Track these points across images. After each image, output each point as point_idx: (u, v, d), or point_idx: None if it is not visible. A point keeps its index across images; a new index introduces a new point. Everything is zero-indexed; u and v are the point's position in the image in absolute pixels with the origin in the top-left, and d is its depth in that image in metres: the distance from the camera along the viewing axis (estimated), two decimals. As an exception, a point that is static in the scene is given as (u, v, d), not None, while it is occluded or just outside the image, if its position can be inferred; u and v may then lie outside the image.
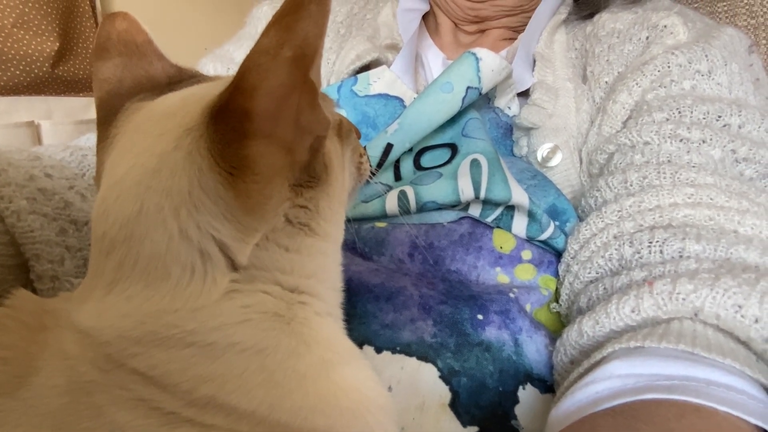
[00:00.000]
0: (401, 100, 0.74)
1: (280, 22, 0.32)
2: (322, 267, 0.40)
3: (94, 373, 0.33)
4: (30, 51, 1.53)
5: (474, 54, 0.65)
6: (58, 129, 1.56)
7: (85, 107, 1.65)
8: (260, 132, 0.33)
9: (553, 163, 0.70)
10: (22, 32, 1.52)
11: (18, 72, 1.54)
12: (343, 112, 0.74)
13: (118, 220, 0.35)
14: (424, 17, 0.89)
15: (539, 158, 0.70)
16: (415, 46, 0.81)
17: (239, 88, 0.32)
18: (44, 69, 1.56)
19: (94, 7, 1.65)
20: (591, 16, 0.78)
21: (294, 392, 0.35)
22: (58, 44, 1.57)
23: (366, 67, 0.80)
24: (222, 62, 0.84)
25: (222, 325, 0.35)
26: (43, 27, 1.54)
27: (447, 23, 0.85)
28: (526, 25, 0.79)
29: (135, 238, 0.35)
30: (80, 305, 0.37)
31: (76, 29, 1.64)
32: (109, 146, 0.40)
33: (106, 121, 0.42)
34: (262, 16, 0.89)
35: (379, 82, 0.76)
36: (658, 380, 0.38)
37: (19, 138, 1.48)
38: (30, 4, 1.52)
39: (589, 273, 0.57)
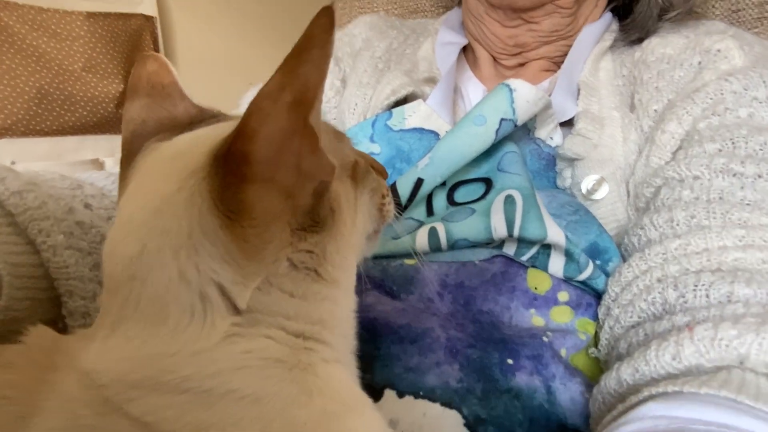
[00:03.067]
0: (437, 134, 0.73)
1: (284, 66, 0.31)
2: (330, 313, 0.39)
3: (92, 416, 0.33)
4: (96, 93, 1.62)
5: (508, 85, 0.64)
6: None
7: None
8: (259, 176, 0.33)
9: (599, 195, 0.67)
10: (90, 76, 1.61)
11: (85, 113, 1.63)
12: (377, 147, 0.73)
13: (122, 260, 0.35)
14: (465, 51, 0.88)
15: (584, 190, 0.67)
16: (454, 79, 0.80)
17: (241, 131, 0.32)
18: (109, 109, 1.66)
19: (157, 50, 1.73)
20: (639, 41, 0.75)
21: None
22: (122, 86, 1.66)
23: (402, 102, 0.79)
24: None
25: (219, 372, 0.34)
26: (109, 70, 1.64)
27: (486, 57, 0.84)
28: (566, 54, 0.77)
29: (137, 278, 0.35)
30: (87, 345, 0.37)
31: (140, 70, 1.73)
32: (125, 187, 0.40)
33: (128, 161, 0.42)
34: None
35: (414, 116, 0.75)
36: (693, 425, 0.35)
37: (85, 175, 1.57)
38: (97, 50, 1.61)
39: (631, 317, 0.53)
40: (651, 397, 0.40)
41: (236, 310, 0.35)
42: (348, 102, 0.84)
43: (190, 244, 0.34)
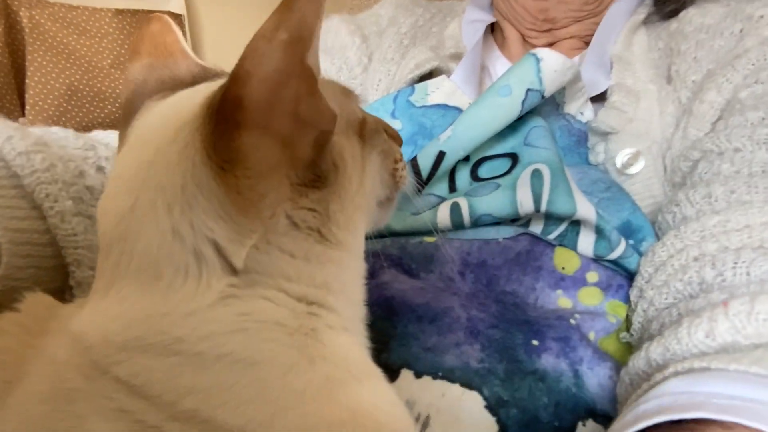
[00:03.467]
0: (460, 111, 0.70)
1: (280, 5, 0.29)
2: (335, 277, 0.36)
3: (79, 380, 0.31)
4: (125, 88, 1.63)
5: (534, 55, 0.60)
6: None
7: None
8: (253, 122, 0.30)
9: (634, 170, 0.63)
10: (118, 72, 1.63)
11: (114, 109, 1.65)
12: (398, 124, 0.71)
13: (115, 217, 0.33)
14: (493, 32, 0.85)
15: (618, 165, 0.63)
16: (480, 56, 0.77)
17: (234, 75, 0.30)
18: (138, 104, 1.67)
19: (184, 36, 1.75)
20: (674, 13, 0.71)
21: (288, 411, 0.31)
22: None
23: (427, 77, 0.76)
24: None
25: (213, 334, 0.31)
26: (137, 65, 1.65)
27: (514, 35, 0.80)
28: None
29: (129, 235, 0.33)
30: (80, 309, 0.35)
31: (168, 66, 1.74)
32: (123, 146, 0.39)
33: (127, 121, 0.40)
34: (330, 28, 0.88)
35: (437, 92, 0.72)
36: (714, 398, 0.32)
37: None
38: (126, 46, 1.63)
39: (666, 298, 0.50)
40: (675, 374, 0.37)
41: (233, 270, 0.33)
42: (372, 78, 0.81)
43: (184, 198, 0.32)
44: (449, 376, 0.46)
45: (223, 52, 1.88)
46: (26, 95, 1.57)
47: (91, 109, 1.64)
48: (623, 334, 0.53)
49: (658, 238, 0.58)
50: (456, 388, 0.45)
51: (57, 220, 0.49)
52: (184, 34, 1.75)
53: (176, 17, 1.72)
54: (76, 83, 1.61)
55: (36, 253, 0.48)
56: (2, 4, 1.53)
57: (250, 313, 0.32)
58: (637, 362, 0.43)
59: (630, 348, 0.53)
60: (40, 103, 1.57)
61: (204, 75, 0.43)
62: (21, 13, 1.55)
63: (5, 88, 1.57)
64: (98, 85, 1.64)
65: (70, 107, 1.61)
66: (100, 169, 0.56)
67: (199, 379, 0.30)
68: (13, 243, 0.46)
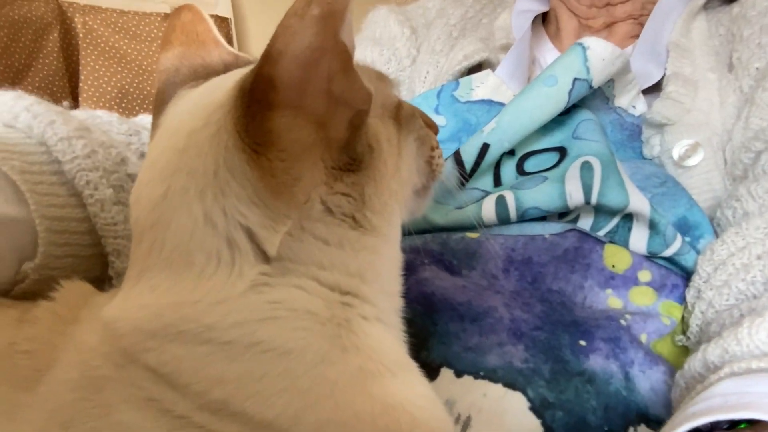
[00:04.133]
0: (506, 106, 0.68)
1: None
2: (371, 266, 0.35)
3: (108, 367, 0.30)
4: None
5: (581, 44, 0.58)
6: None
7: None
8: (286, 102, 0.29)
9: (693, 162, 0.59)
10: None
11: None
12: (442, 119, 0.69)
13: (148, 205, 0.33)
14: (545, 23, 0.82)
15: (675, 157, 0.60)
16: (528, 48, 0.74)
17: (266, 55, 0.29)
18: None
19: (230, 40, 1.76)
20: None
21: (320, 403, 0.29)
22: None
23: (476, 70, 0.74)
24: None
25: (244, 322, 0.30)
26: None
27: (570, 24, 0.77)
28: (650, 14, 0.70)
29: (161, 223, 0.32)
30: (112, 297, 0.34)
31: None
32: (155, 133, 0.38)
33: (159, 110, 0.40)
34: (379, 18, 0.86)
35: (482, 87, 0.70)
36: (765, 398, 0.31)
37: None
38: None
39: (726, 299, 0.47)
40: (731, 374, 0.35)
41: (265, 257, 0.32)
42: (419, 70, 0.80)
43: (216, 184, 0.31)
44: (491, 376, 0.44)
45: None
46: (80, 98, 1.62)
47: (141, 110, 1.68)
48: (679, 337, 0.50)
49: (716, 235, 0.54)
50: (498, 388, 0.43)
51: (97, 209, 0.48)
52: (231, 38, 1.78)
53: (223, 21, 1.75)
54: (126, 86, 1.64)
55: (74, 241, 0.47)
56: (59, 11, 1.58)
57: (282, 302, 0.31)
58: (694, 364, 0.40)
59: (686, 351, 0.50)
60: (93, 105, 1.61)
61: (236, 63, 0.42)
62: (76, 19, 1.60)
63: (60, 91, 1.62)
64: (148, 88, 1.68)
65: (120, 109, 1.65)
66: (143, 155, 0.55)
67: (229, 369, 0.29)
68: (51, 231, 0.44)
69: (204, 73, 0.41)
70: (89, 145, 0.48)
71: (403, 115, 0.38)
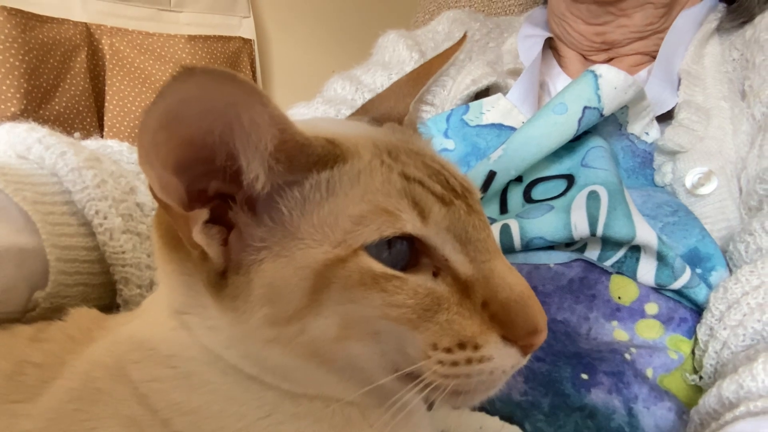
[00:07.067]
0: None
1: None
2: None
3: (105, 380, 0.31)
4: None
5: (593, 71, 0.57)
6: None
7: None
8: None
9: (706, 190, 0.58)
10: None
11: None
12: (451, 143, 0.68)
13: None
14: (552, 48, 0.81)
15: (688, 185, 0.59)
16: (538, 73, 0.74)
17: None
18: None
19: (254, 71, 1.78)
20: (750, 18, 0.66)
21: None
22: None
23: (483, 94, 0.74)
24: (351, 82, 0.82)
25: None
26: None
27: (572, 55, 0.77)
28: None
29: None
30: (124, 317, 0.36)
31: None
32: None
33: None
34: (388, 44, 0.87)
35: (492, 111, 0.69)
36: None
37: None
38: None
39: (743, 340, 0.45)
40: (748, 414, 0.34)
41: None
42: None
43: None
44: (488, 408, 0.43)
45: (292, 76, 1.92)
46: (105, 117, 1.65)
47: (164, 130, 1.70)
48: (693, 377, 0.48)
49: (728, 267, 0.53)
50: (495, 421, 0.42)
51: (106, 237, 0.48)
52: (254, 59, 1.80)
53: (246, 42, 1.77)
54: (150, 106, 1.67)
55: (84, 270, 0.48)
56: (86, 33, 1.61)
57: None
58: (709, 400, 0.39)
59: (696, 387, 0.48)
60: (117, 125, 1.64)
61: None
62: (103, 41, 1.63)
63: (86, 111, 1.65)
64: (171, 108, 1.70)
65: (144, 129, 1.68)
66: None
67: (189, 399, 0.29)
68: (61, 260, 0.45)
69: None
70: (99, 175, 0.48)
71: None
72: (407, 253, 0.29)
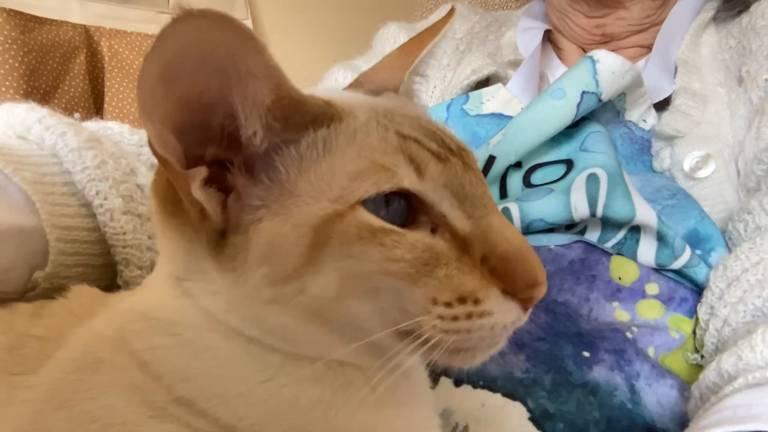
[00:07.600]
0: (516, 120, 0.67)
1: None
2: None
3: (107, 350, 0.31)
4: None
5: (590, 57, 0.57)
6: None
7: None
8: None
9: (704, 173, 0.58)
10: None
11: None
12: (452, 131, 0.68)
13: None
14: (551, 40, 0.82)
15: (686, 168, 0.59)
16: (538, 64, 0.74)
17: None
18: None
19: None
20: (746, 6, 0.67)
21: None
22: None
23: (483, 84, 0.74)
24: (353, 71, 0.83)
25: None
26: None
27: (571, 47, 0.77)
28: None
29: None
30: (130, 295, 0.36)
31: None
32: None
33: None
34: (389, 36, 0.87)
35: (492, 100, 0.69)
36: None
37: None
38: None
39: (743, 317, 0.45)
40: (746, 386, 0.34)
41: None
42: (426, 84, 0.80)
43: None
44: (491, 386, 0.43)
45: (287, 59, 1.92)
46: (104, 119, 1.65)
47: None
48: (694, 356, 0.48)
49: (728, 248, 0.53)
50: (497, 398, 0.42)
51: (106, 218, 0.48)
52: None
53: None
54: (150, 108, 1.68)
55: (84, 251, 0.47)
56: (86, 35, 1.62)
57: None
58: (708, 374, 0.39)
59: (697, 366, 0.48)
60: (117, 127, 1.64)
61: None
62: (102, 43, 1.64)
63: (86, 112, 1.65)
64: (169, 109, 1.71)
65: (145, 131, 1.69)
66: (153, 165, 0.55)
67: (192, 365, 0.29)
68: (61, 240, 0.45)
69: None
70: (99, 156, 0.48)
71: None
72: (405, 210, 0.29)
